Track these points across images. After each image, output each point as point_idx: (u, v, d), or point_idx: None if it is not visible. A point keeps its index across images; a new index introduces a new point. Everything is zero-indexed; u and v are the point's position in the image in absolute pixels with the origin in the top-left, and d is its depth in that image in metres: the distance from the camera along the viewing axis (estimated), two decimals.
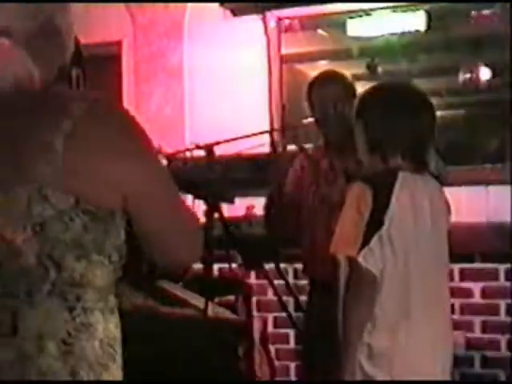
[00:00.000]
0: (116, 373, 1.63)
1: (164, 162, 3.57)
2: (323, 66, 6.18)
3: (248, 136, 3.76)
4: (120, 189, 1.52)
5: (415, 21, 5.16)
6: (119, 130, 1.53)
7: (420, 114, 2.52)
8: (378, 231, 2.36)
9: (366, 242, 2.37)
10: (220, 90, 5.42)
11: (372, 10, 5.18)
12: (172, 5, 5.46)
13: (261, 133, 3.88)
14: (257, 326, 4.06)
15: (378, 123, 2.50)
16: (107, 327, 1.58)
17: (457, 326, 4.64)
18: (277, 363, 4.70)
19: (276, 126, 5.31)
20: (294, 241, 3.61)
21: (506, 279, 4.57)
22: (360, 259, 2.36)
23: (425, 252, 2.46)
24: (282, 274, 4.08)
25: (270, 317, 4.90)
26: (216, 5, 5.34)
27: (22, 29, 1.49)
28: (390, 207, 2.37)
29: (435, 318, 2.47)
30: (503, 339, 4.59)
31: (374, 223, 2.37)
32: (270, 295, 4.59)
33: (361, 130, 2.54)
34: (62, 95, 1.52)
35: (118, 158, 1.50)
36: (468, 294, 4.60)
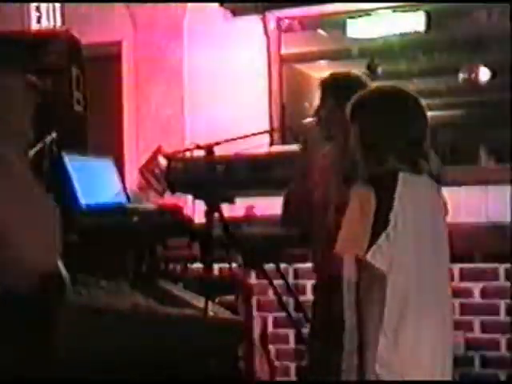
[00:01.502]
0: None
1: (164, 162, 3.57)
2: (323, 65, 6.19)
3: (248, 136, 3.76)
4: None
5: (415, 21, 5.16)
6: None
7: (413, 117, 2.54)
8: (384, 230, 2.38)
9: (372, 241, 2.38)
10: (220, 90, 5.42)
11: (372, 10, 5.18)
12: (172, 5, 5.46)
13: (261, 133, 3.88)
14: (257, 326, 4.06)
15: (373, 126, 2.52)
16: None
17: (457, 325, 4.63)
18: (277, 363, 4.70)
19: (276, 126, 5.32)
20: (309, 239, 3.60)
21: (506, 279, 4.57)
22: (369, 258, 2.37)
23: (426, 252, 2.48)
24: (282, 274, 4.08)
25: (270, 317, 4.90)
26: (216, 5, 5.34)
27: None
28: (393, 207, 2.39)
29: (436, 318, 2.48)
30: (503, 339, 4.59)
31: (380, 223, 2.38)
32: (270, 295, 4.59)
33: (356, 133, 2.56)
34: None
35: None
36: (468, 293, 4.60)
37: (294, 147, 3.98)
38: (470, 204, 4.51)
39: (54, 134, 2.93)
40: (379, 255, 2.38)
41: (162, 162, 3.56)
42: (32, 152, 2.75)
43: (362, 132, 2.54)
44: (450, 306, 2.61)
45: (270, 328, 4.84)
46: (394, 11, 5.17)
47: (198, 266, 3.62)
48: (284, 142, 5.20)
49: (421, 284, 2.45)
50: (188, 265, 3.61)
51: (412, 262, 2.44)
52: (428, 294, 2.47)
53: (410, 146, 2.51)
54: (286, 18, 5.41)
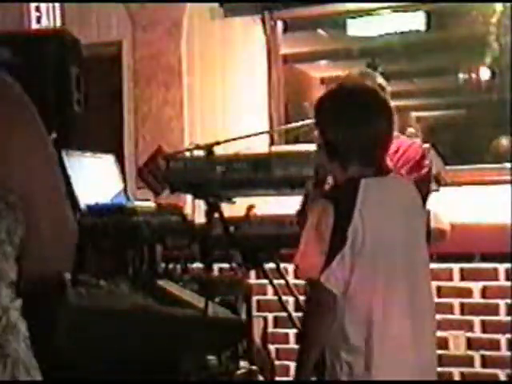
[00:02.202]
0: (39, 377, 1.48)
1: (164, 162, 3.57)
2: (323, 65, 6.19)
3: (248, 136, 3.76)
4: (20, 167, 1.38)
5: (415, 21, 5.16)
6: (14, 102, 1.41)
7: (374, 117, 2.40)
8: (340, 249, 2.29)
9: (328, 260, 2.29)
10: (219, 90, 5.42)
11: (372, 9, 5.18)
12: (172, 5, 5.46)
13: (261, 133, 3.88)
14: (257, 325, 4.06)
15: (333, 129, 2.40)
16: (25, 327, 1.43)
17: (457, 325, 4.65)
18: (277, 363, 4.70)
19: (276, 126, 5.32)
20: None
21: (506, 279, 4.57)
22: (322, 280, 2.31)
23: (400, 255, 2.37)
24: (282, 274, 4.08)
25: (270, 317, 4.90)
26: (216, 5, 5.34)
27: None
28: (352, 221, 2.29)
29: (416, 323, 2.41)
30: (503, 339, 4.60)
31: (336, 242, 2.29)
32: (270, 295, 4.59)
33: (319, 137, 2.45)
34: None
35: (16, 131, 1.38)
36: (468, 293, 4.61)
37: (294, 147, 3.98)
38: (470, 204, 4.51)
39: (53, 134, 2.92)
40: (333, 278, 2.29)
41: (162, 162, 3.56)
42: None
43: (323, 134, 2.42)
44: (432, 308, 2.52)
45: (270, 328, 4.84)
46: (394, 11, 5.17)
47: (198, 265, 3.62)
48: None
49: (394, 291, 2.34)
50: (188, 265, 3.61)
51: (378, 274, 2.32)
52: (404, 300, 2.38)
53: (372, 148, 2.39)
54: (286, 18, 5.41)
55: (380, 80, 3.49)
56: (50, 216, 1.42)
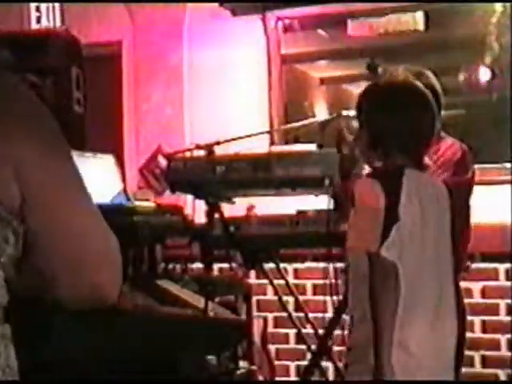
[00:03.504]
0: None
1: (164, 162, 3.57)
2: (323, 65, 6.19)
3: (248, 136, 3.76)
4: (17, 171, 1.16)
5: (415, 21, 5.16)
6: (11, 94, 1.23)
7: (420, 112, 2.52)
8: (394, 223, 2.37)
9: (384, 235, 2.37)
10: (220, 90, 5.42)
11: (372, 10, 5.18)
12: (172, 4, 5.46)
13: (261, 133, 3.87)
14: (257, 326, 4.06)
15: (379, 121, 2.50)
16: (9, 356, 1.19)
17: None
18: (277, 363, 4.70)
19: (276, 126, 5.32)
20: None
21: (506, 279, 4.57)
22: (383, 252, 2.36)
23: (432, 248, 2.48)
24: (282, 274, 4.08)
25: (270, 317, 4.90)
26: (216, 5, 5.34)
27: None
28: (400, 201, 2.37)
29: (441, 315, 2.48)
30: (503, 339, 4.59)
31: (390, 217, 2.37)
32: (270, 295, 4.59)
33: (362, 127, 2.55)
34: None
35: (16, 128, 1.19)
36: (468, 293, 4.60)
37: (294, 147, 3.98)
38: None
39: None
40: (393, 249, 2.37)
41: (162, 162, 3.56)
42: None
43: (368, 125, 2.53)
44: (453, 304, 2.58)
45: (270, 328, 4.84)
46: (394, 11, 5.17)
47: (198, 265, 3.62)
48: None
49: (426, 281, 2.45)
50: (188, 265, 3.61)
51: (416, 255, 2.43)
52: (433, 291, 2.46)
53: (415, 142, 2.50)
54: (286, 18, 5.41)
55: (432, 81, 3.48)
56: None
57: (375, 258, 2.39)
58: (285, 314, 4.03)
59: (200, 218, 3.51)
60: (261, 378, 3.79)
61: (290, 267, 4.88)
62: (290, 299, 4.27)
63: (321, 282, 3.61)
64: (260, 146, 4.22)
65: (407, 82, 2.74)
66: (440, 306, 2.48)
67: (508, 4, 4.91)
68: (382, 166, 2.52)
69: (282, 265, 4.14)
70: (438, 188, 2.60)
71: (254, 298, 4.28)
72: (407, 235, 2.40)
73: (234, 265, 3.62)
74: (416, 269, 2.43)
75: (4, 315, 1.18)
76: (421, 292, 2.43)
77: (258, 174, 3.53)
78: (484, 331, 4.62)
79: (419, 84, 2.69)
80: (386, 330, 2.38)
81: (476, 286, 4.61)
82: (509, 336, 4.57)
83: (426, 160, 2.60)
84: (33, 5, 5.80)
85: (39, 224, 1.18)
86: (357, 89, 3.70)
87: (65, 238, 1.21)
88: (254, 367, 3.40)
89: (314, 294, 4.82)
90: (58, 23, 5.74)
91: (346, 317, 3.04)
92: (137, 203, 3.34)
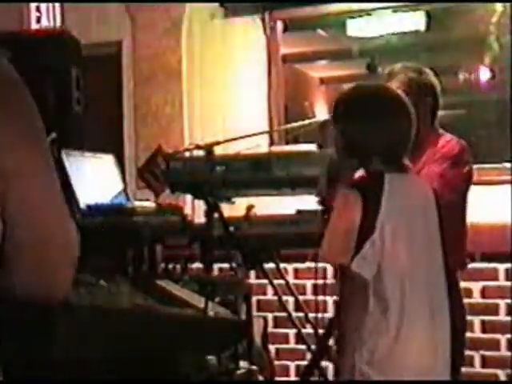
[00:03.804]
0: None
1: (164, 162, 3.57)
2: (323, 65, 6.19)
3: (248, 136, 3.76)
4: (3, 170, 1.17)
5: (415, 21, 5.16)
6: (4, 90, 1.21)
7: (395, 116, 2.48)
8: (370, 236, 2.35)
9: (358, 248, 2.35)
10: (220, 90, 5.42)
11: (372, 9, 5.18)
12: (171, 5, 5.46)
13: (261, 133, 3.87)
14: (257, 326, 4.06)
15: (354, 127, 2.47)
16: None
17: None
18: (277, 363, 4.70)
19: (276, 126, 5.32)
20: None
21: (506, 279, 4.57)
22: (354, 267, 2.34)
23: (419, 252, 2.45)
24: (282, 274, 4.08)
25: (270, 317, 4.90)
26: (216, 5, 5.34)
27: None
28: (380, 211, 2.35)
29: (433, 319, 2.46)
30: (503, 339, 4.59)
31: (366, 229, 2.35)
32: (270, 295, 4.59)
33: (338, 134, 2.51)
34: None
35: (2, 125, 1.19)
36: (468, 293, 4.60)
37: (294, 147, 3.98)
38: (470, 204, 4.51)
39: (53, 134, 2.92)
40: (364, 264, 2.35)
41: (162, 162, 3.56)
42: None
43: (344, 134, 2.48)
44: (445, 305, 2.56)
45: (270, 328, 4.84)
46: (394, 11, 5.17)
47: (198, 265, 3.62)
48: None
49: (414, 286, 2.42)
50: (188, 265, 3.61)
51: (402, 264, 2.41)
52: (422, 295, 2.44)
53: (394, 146, 2.46)
54: (286, 18, 5.41)
55: (431, 78, 3.48)
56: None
57: (347, 271, 2.38)
58: (285, 314, 4.02)
59: (200, 217, 3.51)
60: (261, 378, 3.79)
61: (290, 267, 4.88)
62: (290, 299, 4.27)
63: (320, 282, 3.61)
64: (260, 145, 4.21)
65: (380, 87, 2.70)
66: (433, 319, 2.46)
67: (508, 4, 4.91)
68: (363, 172, 2.51)
69: (282, 265, 4.13)
70: (423, 187, 2.58)
71: (254, 298, 4.28)
72: (387, 247, 2.36)
73: (234, 265, 3.62)
74: (403, 275, 2.40)
75: None
76: (410, 302, 2.40)
77: (257, 174, 3.52)
78: (484, 331, 4.62)
79: (392, 88, 2.68)
80: (350, 339, 2.39)
81: (476, 286, 4.61)
82: (509, 336, 4.57)
83: (406, 161, 2.57)
84: (33, 5, 5.80)
85: (9, 213, 1.18)
86: None
87: (30, 229, 1.20)
88: (253, 367, 3.40)
89: (314, 293, 4.82)
90: (58, 23, 5.74)
91: None
92: (137, 203, 3.34)
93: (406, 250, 2.41)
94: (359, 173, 2.53)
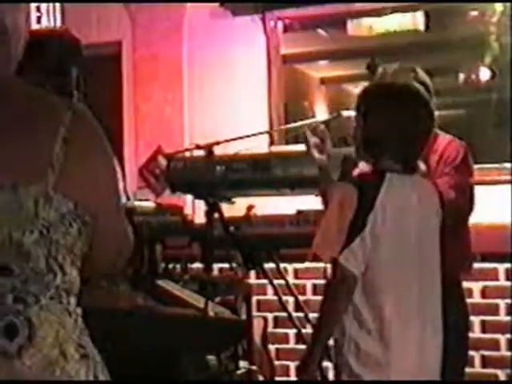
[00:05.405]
0: None
1: (164, 162, 3.57)
2: (323, 65, 6.19)
3: (248, 136, 3.76)
4: (100, 190, 1.53)
5: (415, 21, 5.16)
6: (101, 135, 1.62)
7: (413, 116, 2.49)
8: (360, 233, 2.36)
9: (348, 242, 2.36)
10: (220, 90, 5.42)
11: (372, 10, 5.18)
12: (172, 5, 5.46)
13: (261, 133, 3.87)
14: (257, 325, 4.06)
15: (372, 122, 2.50)
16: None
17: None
18: (277, 363, 4.70)
19: (276, 126, 5.32)
20: None
21: (506, 279, 4.57)
22: (341, 260, 2.35)
23: (413, 253, 2.45)
24: (282, 274, 4.08)
25: (270, 317, 4.90)
26: (216, 5, 5.34)
27: None
28: (373, 209, 2.36)
29: (424, 318, 2.46)
30: (503, 339, 4.59)
31: (357, 224, 2.36)
32: (270, 295, 4.59)
33: (358, 126, 2.54)
34: (49, 100, 1.52)
35: (105, 161, 1.57)
36: (468, 293, 4.60)
37: (294, 147, 3.98)
38: None
39: None
40: (352, 258, 2.36)
41: (162, 162, 3.56)
42: None
43: (363, 126, 2.52)
44: (437, 305, 2.56)
45: (270, 328, 4.84)
46: (394, 11, 5.17)
47: (198, 265, 3.62)
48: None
49: (406, 285, 2.42)
50: (188, 265, 3.61)
51: (392, 262, 2.41)
52: (415, 293, 2.44)
53: (405, 146, 2.48)
54: (286, 18, 5.41)
55: (424, 77, 3.48)
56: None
57: (336, 264, 2.39)
58: (285, 314, 4.02)
59: (200, 218, 3.51)
60: (261, 378, 3.79)
61: (290, 267, 4.88)
62: (290, 299, 4.27)
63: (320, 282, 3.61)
64: (260, 145, 4.21)
65: (406, 85, 2.72)
66: (423, 326, 2.45)
67: (508, 4, 4.91)
68: (368, 169, 2.52)
69: (282, 265, 4.14)
70: (426, 189, 2.58)
71: (254, 298, 4.28)
72: (378, 244, 2.37)
73: (234, 265, 3.62)
74: (390, 278, 2.40)
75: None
76: (399, 301, 2.40)
77: (257, 174, 3.53)
78: (484, 331, 4.62)
79: (419, 87, 2.68)
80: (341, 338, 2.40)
81: (476, 286, 4.61)
82: (509, 336, 4.57)
83: (420, 163, 2.58)
84: (33, 5, 5.80)
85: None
86: (357, 89, 3.70)
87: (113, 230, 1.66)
88: (253, 367, 3.40)
89: (314, 293, 4.82)
90: (58, 23, 5.74)
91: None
92: (137, 203, 3.34)
93: (397, 250, 2.41)
94: (360, 169, 2.54)
